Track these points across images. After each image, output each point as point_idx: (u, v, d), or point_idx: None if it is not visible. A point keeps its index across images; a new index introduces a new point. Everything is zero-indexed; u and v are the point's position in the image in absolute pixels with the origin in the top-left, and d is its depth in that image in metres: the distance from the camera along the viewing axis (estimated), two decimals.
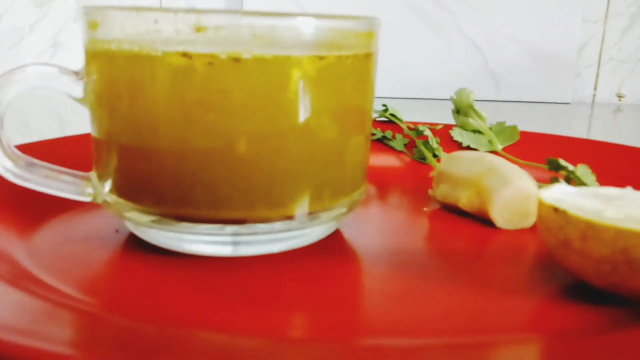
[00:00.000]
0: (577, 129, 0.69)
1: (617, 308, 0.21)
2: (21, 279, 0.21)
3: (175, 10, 0.20)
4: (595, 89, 0.88)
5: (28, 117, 0.28)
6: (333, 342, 0.19)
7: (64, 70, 0.24)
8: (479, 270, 0.25)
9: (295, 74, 0.21)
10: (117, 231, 0.27)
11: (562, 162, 0.31)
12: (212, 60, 0.21)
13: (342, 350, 0.18)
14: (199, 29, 0.20)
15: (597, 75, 0.88)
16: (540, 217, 0.22)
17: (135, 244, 0.25)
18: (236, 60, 0.21)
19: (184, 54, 0.20)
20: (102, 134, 0.24)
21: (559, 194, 0.23)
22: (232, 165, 0.22)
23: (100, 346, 0.16)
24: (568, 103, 0.84)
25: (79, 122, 0.56)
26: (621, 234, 0.19)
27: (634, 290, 0.20)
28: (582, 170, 0.32)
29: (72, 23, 0.78)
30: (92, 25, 0.22)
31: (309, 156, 0.23)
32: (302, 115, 0.22)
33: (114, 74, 0.22)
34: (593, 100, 0.88)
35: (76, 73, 0.24)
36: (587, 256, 0.20)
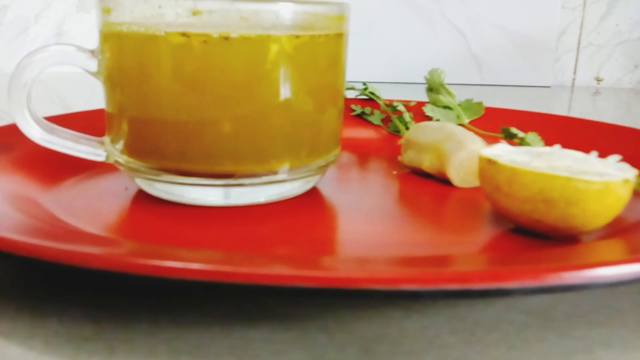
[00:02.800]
0: (557, 111, 0.73)
1: (540, 240, 0.26)
2: (45, 218, 0.25)
3: None
4: (574, 73, 0.91)
5: (34, 102, 0.31)
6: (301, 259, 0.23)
7: (81, 49, 0.28)
8: (438, 220, 0.30)
9: (275, 50, 0.26)
10: (126, 188, 0.31)
11: (514, 130, 0.36)
12: (206, 39, 0.25)
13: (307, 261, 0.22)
14: (195, 13, 0.25)
15: (577, 59, 0.91)
16: (479, 169, 0.27)
17: (141, 198, 0.30)
18: (226, 38, 0.25)
19: (183, 34, 0.25)
20: (113, 103, 0.28)
21: (499, 150, 0.28)
22: (223, 128, 0.26)
23: (106, 252, 0.20)
24: (548, 86, 0.87)
25: (82, 106, 0.60)
26: (538, 177, 0.24)
27: (550, 227, 0.25)
28: (532, 137, 0.36)
29: (75, 12, 0.81)
30: (105, 11, 0.27)
31: (288, 121, 0.28)
32: (281, 87, 0.27)
33: (124, 52, 0.27)
34: (573, 84, 0.91)
35: (91, 51, 0.28)
36: (512, 198, 0.25)
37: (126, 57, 0.27)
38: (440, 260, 0.23)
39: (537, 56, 0.87)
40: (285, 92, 0.27)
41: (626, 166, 0.26)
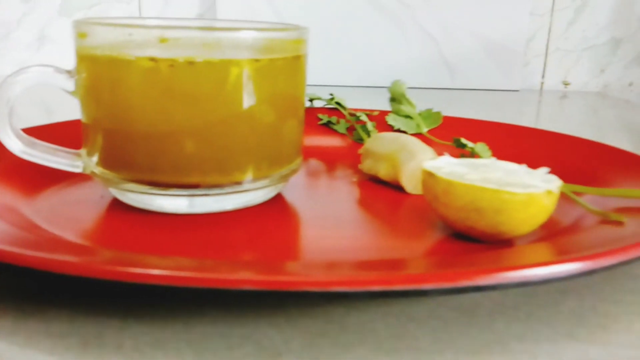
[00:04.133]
0: (526, 114, 0.75)
1: (474, 243, 0.29)
2: (26, 226, 0.28)
3: (145, 26, 0.27)
4: (543, 77, 0.95)
5: (17, 106, 0.33)
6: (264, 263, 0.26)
7: (58, 70, 0.31)
8: (391, 225, 0.32)
9: (236, 72, 0.28)
10: (101, 197, 0.34)
11: (464, 140, 0.39)
12: (172, 63, 0.28)
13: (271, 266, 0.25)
14: (162, 40, 0.27)
15: (545, 64, 0.94)
16: (422, 180, 0.30)
17: (115, 205, 0.32)
18: (191, 63, 0.28)
19: (152, 59, 0.27)
20: (89, 119, 0.31)
21: (442, 162, 0.31)
22: (189, 143, 0.29)
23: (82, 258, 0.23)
24: (517, 90, 0.91)
25: (63, 110, 0.62)
26: (469, 189, 0.27)
27: (482, 232, 0.28)
28: (480, 147, 0.39)
29: (57, 18, 0.83)
30: (81, 35, 0.29)
31: (250, 136, 0.30)
32: (243, 104, 0.29)
33: (98, 73, 0.29)
34: (541, 88, 0.94)
35: (69, 72, 0.31)
36: (449, 207, 0.28)
37: (100, 78, 0.29)
38: (378, 264, 0.25)
39: (507, 61, 0.90)
40: (246, 110, 0.29)
41: (552, 177, 0.29)
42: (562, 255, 0.24)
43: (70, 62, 0.32)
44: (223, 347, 0.21)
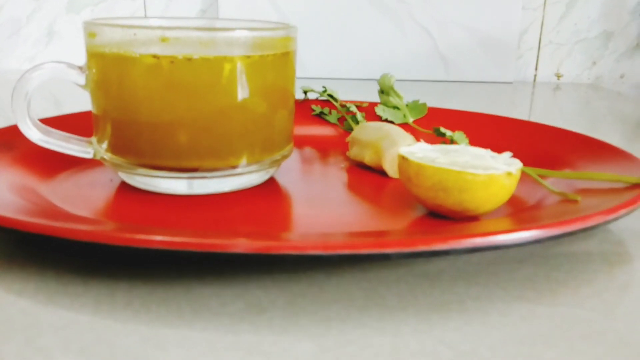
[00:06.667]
0: (519, 106, 0.78)
1: (445, 220, 0.32)
2: (44, 205, 0.31)
3: (148, 27, 0.31)
4: (536, 69, 0.97)
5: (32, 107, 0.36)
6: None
7: (71, 66, 0.34)
8: (375, 204, 0.36)
9: (229, 68, 0.32)
10: (111, 180, 0.37)
11: (442, 129, 0.42)
12: (173, 60, 0.31)
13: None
14: (163, 40, 0.31)
15: (538, 57, 0.96)
16: (398, 164, 0.33)
17: (123, 188, 0.36)
18: (189, 59, 0.31)
19: (154, 56, 0.31)
20: (99, 110, 0.34)
21: (416, 148, 0.34)
22: (188, 131, 0.33)
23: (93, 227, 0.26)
24: (511, 82, 0.93)
25: (72, 103, 0.66)
26: (437, 171, 0.30)
27: (449, 210, 0.31)
28: (458, 136, 0.42)
29: (65, 14, 0.86)
30: (91, 35, 0.33)
31: (243, 125, 0.34)
32: (237, 96, 0.33)
33: (106, 69, 0.33)
34: (534, 80, 0.97)
35: (80, 67, 0.34)
36: (420, 187, 0.31)
37: (108, 73, 0.33)
38: (352, 234, 0.29)
39: (500, 54, 0.92)
40: (239, 101, 0.33)
41: (514, 161, 0.32)
42: (513, 227, 0.27)
43: (77, 57, 0.35)
44: (217, 304, 0.25)
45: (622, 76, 0.98)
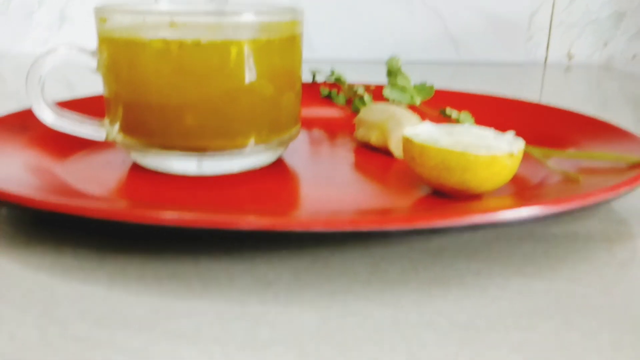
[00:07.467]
0: (530, 87, 0.78)
1: (448, 199, 0.33)
2: (59, 184, 0.32)
3: (157, 13, 0.32)
4: (547, 50, 0.97)
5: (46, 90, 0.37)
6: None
7: (83, 50, 0.35)
8: (380, 183, 0.36)
9: (236, 51, 0.33)
10: (123, 161, 0.38)
11: (448, 110, 0.43)
12: (181, 44, 0.32)
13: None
14: (172, 25, 0.32)
15: (549, 38, 0.96)
16: (402, 144, 0.34)
17: (134, 168, 0.37)
18: (197, 44, 0.32)
19: (163, 41, 0.32)
20: (110, 93, 0.35)
21: (421, 129, 0.35)
22: (197, 113, 0.33)
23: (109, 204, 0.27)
24: (521, 64, 0.93)
25: (84, 86, 0.67)
26: (440, 151, 0.31)
27: (452, 189, 0.32)
28: (464, 116, 0.43)
29: None
30: (102, 20, 0.33)
31: (251, 107, 0.34)
32: (244, 79, 0.34)
33: (117, 53, 0.34)
34: (545, 61, 0.97)
35: (92, 52, 0.35)
36: (423, 167, 0.32)
37: (119, 57, 0.33)
38: (356, 212, 0.30)
39: (511, 35, 0.92)
40: (246, 84, 0.34)
41: (517, 140, 0.33)
42: (513, 204, 0.28)
43: (89, 41, 0.36)
44: (225, 279, 0.26)
45: (634, 57, 0.97)
